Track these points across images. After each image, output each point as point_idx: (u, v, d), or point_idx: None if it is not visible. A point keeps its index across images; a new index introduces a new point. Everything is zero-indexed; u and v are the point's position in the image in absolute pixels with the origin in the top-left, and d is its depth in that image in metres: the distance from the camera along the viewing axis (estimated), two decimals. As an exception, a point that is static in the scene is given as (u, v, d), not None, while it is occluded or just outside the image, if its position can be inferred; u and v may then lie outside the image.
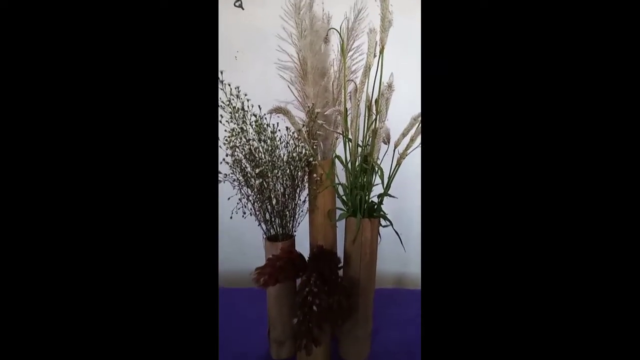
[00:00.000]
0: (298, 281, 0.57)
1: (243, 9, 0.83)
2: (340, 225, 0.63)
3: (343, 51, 0.56)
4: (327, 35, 0.56)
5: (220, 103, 0.55)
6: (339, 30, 0.55)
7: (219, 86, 0.54)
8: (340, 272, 0.59)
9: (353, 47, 0.60)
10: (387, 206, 0.61)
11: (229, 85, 0.55)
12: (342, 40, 0.55)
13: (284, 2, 0.58)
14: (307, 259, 0.59)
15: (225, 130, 0.57)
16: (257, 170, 0.56)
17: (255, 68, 0.84)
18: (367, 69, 0.54)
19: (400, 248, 0.64)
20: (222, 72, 0.53)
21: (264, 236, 0.62)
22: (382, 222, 0.61)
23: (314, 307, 0.50)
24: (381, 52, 0.54)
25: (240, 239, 0.94)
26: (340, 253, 0.63)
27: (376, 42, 0.53)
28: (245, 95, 0.56)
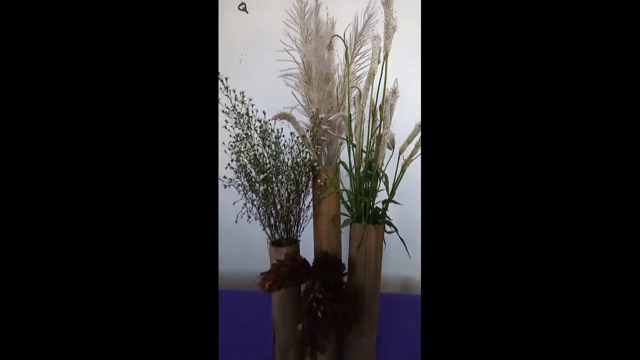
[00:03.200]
0: (303, 286, 0.56)
1: (247, 12, 0.83)
2: (345, 232, 0.63)
3: (347, 57, 0.56)
4: (330, 42, 0.56)
5: (225, 109, 0.55)
6: (342, 38, 0.55)
7: (224, 92, 0.54)
8: (345, 279, 0.58)
9: (360, 52, 0.60)
10: (391, 212, 0.61)
11: (234, 91, 0.55)
12: (346, 47, 0.55)
13: (289, 5, 0.58)
14: (311, 264, 0.59)
15: (230, 136, 0.57)
16: (261, 176, 0.56)
17: (259, 71, 0.85)
18: (371, 75, 0.54)
19: (406, 252, 0.63)
20: (227, 79, 0.54)
21: (269, 241, 0.62)
22: (387, 228, 0.60)
23: (319, 314, 0.49)
24: (385, 58, 0.53)
25: (246, 240, 0.94)
26: (345, 260, 0.62)
27: (380, 48, 0.53)
28: (250, 100, 0.57)
